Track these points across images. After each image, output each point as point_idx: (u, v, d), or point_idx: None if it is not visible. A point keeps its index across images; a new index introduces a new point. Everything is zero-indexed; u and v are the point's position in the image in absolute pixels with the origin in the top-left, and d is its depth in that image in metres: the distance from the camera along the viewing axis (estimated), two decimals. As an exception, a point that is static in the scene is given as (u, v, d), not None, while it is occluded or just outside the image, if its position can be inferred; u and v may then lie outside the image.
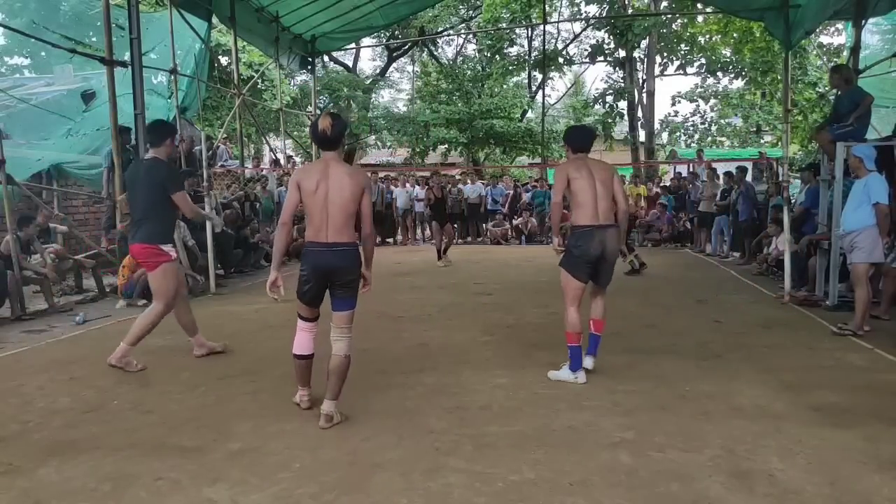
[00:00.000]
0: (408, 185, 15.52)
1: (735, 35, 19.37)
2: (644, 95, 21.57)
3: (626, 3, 21.37)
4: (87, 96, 10.93)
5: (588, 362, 4.27)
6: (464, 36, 27.13)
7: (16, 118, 10.46)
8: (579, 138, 4.39)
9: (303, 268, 3.38)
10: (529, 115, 25.15)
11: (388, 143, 27.23)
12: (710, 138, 23.72)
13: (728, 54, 20.83)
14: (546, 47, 19.81)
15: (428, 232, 15.99)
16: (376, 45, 26.82)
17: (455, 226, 15.44)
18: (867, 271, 5.50)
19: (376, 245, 12.57)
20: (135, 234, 4.51)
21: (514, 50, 23.64)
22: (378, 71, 28.11)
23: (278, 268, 3.46)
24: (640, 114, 22.00)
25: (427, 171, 18.11)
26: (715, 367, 4.50)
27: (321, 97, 21.75)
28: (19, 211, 7.70)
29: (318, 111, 19.72)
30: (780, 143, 20.78)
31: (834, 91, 7.93)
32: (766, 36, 17.21)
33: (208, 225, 7.98)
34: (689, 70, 21.61)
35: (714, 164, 13.41)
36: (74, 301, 7.36)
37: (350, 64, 25.48)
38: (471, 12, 25.65)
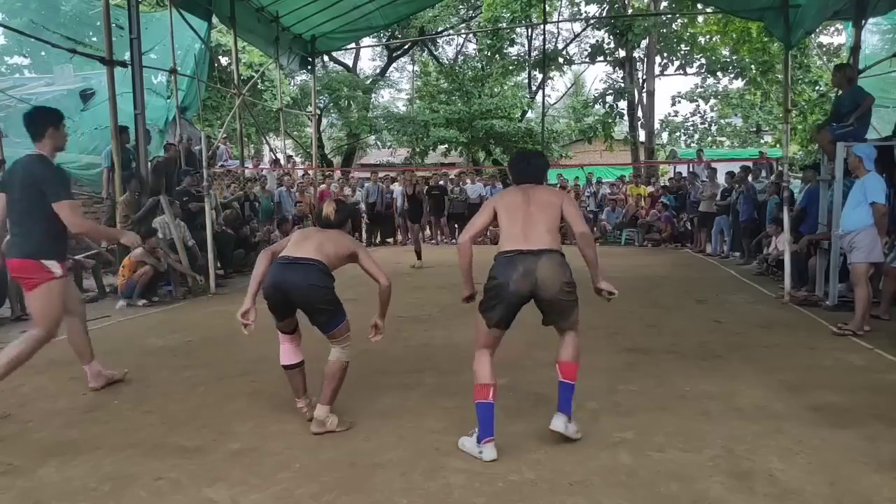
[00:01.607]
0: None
1: (733, 35, 19.37)
2: (644, 95, 21.56)
3: (626, 3, 21.37)
4: (86, 95, 10.93)
5: (557, 423, 3.12)
6: (464, 36, 27.12)
7: (15, 118, 10.45)
8: (520, 169, 3.38)
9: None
10: (529, 115, 25.12)
11: (388, 143, 27.22)
12: (710, 138, 23.72)
13: (728, 54, 20.83)
14: (546, 47, 19.79)
15: (428, 232, 16.00)
16: (376, 45, 26.79)
17: (456, 225, 15.52)
18: (867, 271, 5.50)
19: (376, 245, 12.37)
20: (11, 247, 3.71)
21: (514, 50, 23.64)
22: (378, 71, 28.09)
23: (253, 296, 3.38)
24: (640, 114, 21.99)
25: (427, 171, 18.12)
26: (715, 367, 4.50)
27: (321, 97, 21.73)
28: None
29: (319, 111, 19.74)
30: (779, 144, 20.80)
31: (835, 90, 7.92)
32: (763, 36, 17.22)
33: (208, 224, 7.98)
34: (689, 70, 21.60)
35: (714, 164, 13.41)
36: (74, 301, 7.35)
37: (350, 64, 25.46)
38: (471, 12, 25.62)
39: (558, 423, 3.12)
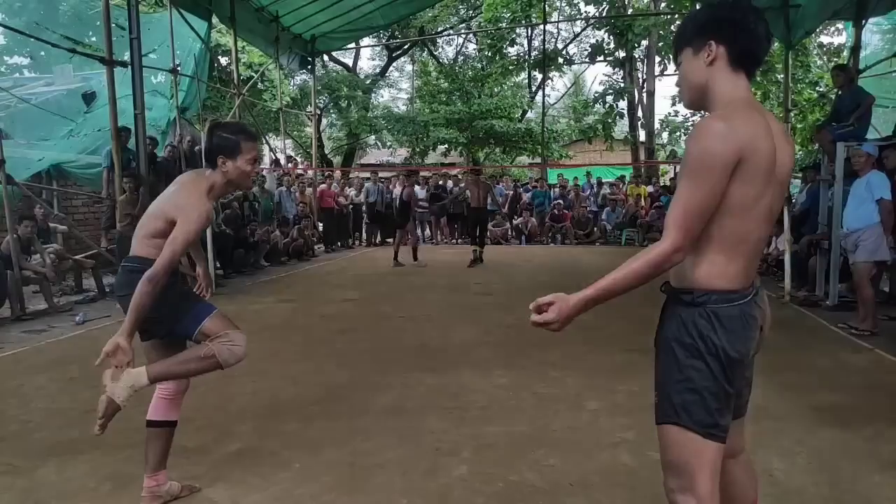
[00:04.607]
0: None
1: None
2: (644, 95, 21.58)
3: (626, 3, 21.38)
4: (88, 97, 10.93)
5: None
6: (464, 36, 27.13)
7: (15, 118, 10.45)
8: (763, 32, 1.57)
9: None
10: (529, 115, 25.12)
11: (388, 143, 27.23)
12: (710, 138, 23.68)
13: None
14: (546, 47, 19.80)
15: (428, 232, 15.99)
16: (376, 45, 26.80)
17: (456, 225, 15.52)
18: (870, 270, 5.49)
19: (376, 245, 12.31)
20: None
21: (514, 50, 23.66)
22: (378, 71, 28.09)
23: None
24: (640, 114, 22.00)
25: (427, 171, 18.11)
26: (715, 367, 4.48)
27: (321, 97, 21.74)
28: (19, 211, 7.70)
29: (319, 111, 19.74)
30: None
31: (835, 90, 7.93)
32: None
33: (208, 225, 7.99)
34: (690, 70, 21.59)
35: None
36: (74, 301, 7.36)
37: (350, 64, 25.46)
38: (471, 12, 25.63)
39: None
